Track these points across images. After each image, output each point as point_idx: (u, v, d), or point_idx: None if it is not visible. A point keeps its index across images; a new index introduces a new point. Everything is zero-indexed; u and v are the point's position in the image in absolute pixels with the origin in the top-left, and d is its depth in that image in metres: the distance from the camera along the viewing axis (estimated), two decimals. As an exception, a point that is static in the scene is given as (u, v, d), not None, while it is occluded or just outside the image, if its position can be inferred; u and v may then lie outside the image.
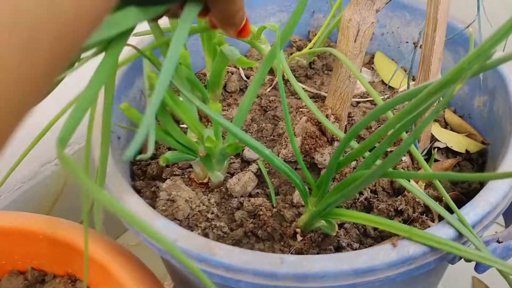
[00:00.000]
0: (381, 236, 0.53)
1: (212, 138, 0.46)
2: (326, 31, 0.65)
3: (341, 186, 0.41)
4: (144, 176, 0.62)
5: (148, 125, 0.28)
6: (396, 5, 0.74)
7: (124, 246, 0.57)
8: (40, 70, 0.22)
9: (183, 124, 0.61)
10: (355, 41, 0.51)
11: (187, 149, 0.52)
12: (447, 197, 0.42)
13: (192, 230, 0.54)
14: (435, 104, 0.34)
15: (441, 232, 0.43)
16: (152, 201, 0.58)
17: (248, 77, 0.75)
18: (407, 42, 0.74)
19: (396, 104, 0.34)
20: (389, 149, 0.58)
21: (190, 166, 0.60)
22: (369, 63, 0.78)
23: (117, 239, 0.89)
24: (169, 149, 0.63)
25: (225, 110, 0.69)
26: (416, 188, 0.48)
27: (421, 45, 0.49)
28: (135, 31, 0.35)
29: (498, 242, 0.48)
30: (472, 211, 0.44)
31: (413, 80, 0.64)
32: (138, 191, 0.60)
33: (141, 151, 0.61)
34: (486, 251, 0.42)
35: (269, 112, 0.69)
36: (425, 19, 0.51)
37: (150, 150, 0.39)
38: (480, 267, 0.45)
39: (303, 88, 0.71)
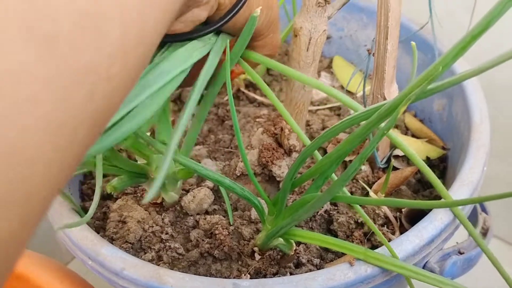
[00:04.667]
0: (342, 250, 0.51)
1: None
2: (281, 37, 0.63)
3: (292, 208, 0.39)
4: (95, 196, 0.59)
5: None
6: (353, 8, 0.72)
7: (75, 271, 0.54)
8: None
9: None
10: (307, 50, 0.49)
11: (135, 174, 0.49)
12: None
13: (145, 253, 0.51)
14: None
15: (398, 249, 0.41)
16: (103, 222, 0.55)
17: (204, 86, 0.72)
18: (365, 45, 0.73)
19: (345, 128, 0.32)
20: (348, 159, 0.56)
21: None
22: (328, 67, 0.76)
23: (68, 264, 0.84)
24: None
25: (180, 122, 0.66)
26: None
27: (373, 53, 0.48)
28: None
29: (460, 253, 0.47)
30: (430, 224, 0.42)
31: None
32: (89, 213, 0.57)
33: None
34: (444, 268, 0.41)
35: (226, 122, 0.66)
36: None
37: (96, 197, 0.37)
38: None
39: (260, 97, 0.69)
